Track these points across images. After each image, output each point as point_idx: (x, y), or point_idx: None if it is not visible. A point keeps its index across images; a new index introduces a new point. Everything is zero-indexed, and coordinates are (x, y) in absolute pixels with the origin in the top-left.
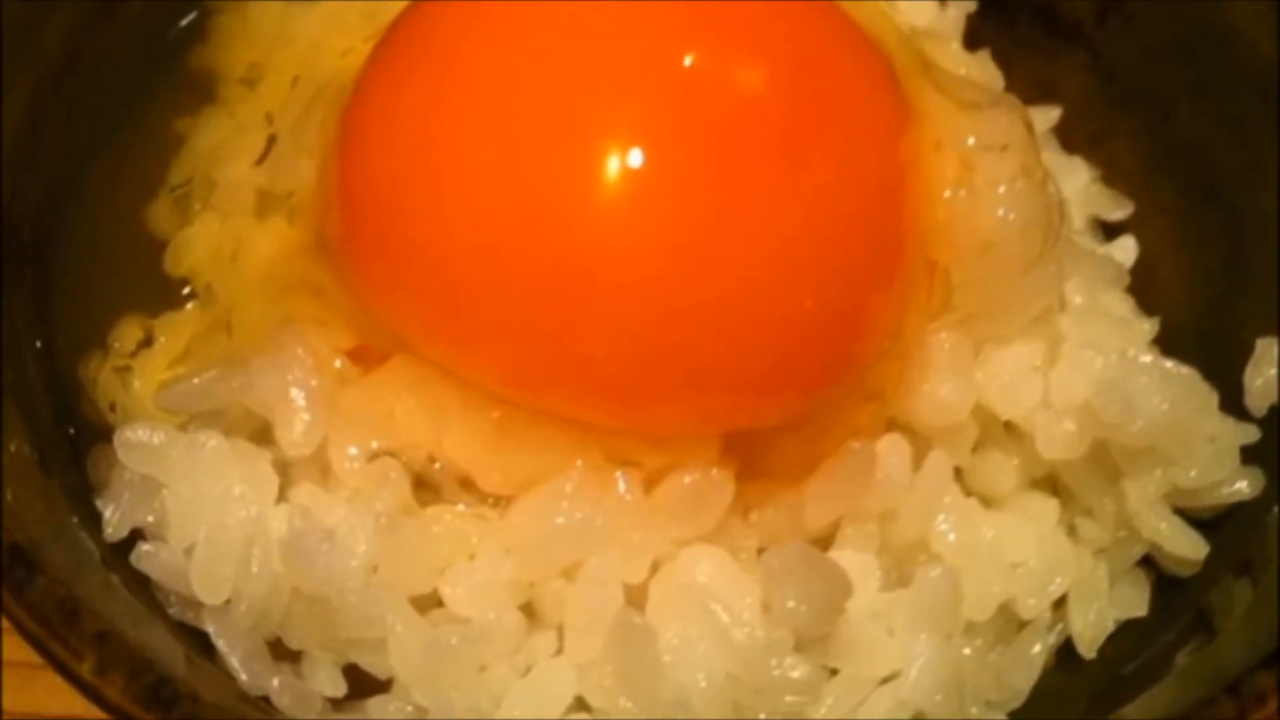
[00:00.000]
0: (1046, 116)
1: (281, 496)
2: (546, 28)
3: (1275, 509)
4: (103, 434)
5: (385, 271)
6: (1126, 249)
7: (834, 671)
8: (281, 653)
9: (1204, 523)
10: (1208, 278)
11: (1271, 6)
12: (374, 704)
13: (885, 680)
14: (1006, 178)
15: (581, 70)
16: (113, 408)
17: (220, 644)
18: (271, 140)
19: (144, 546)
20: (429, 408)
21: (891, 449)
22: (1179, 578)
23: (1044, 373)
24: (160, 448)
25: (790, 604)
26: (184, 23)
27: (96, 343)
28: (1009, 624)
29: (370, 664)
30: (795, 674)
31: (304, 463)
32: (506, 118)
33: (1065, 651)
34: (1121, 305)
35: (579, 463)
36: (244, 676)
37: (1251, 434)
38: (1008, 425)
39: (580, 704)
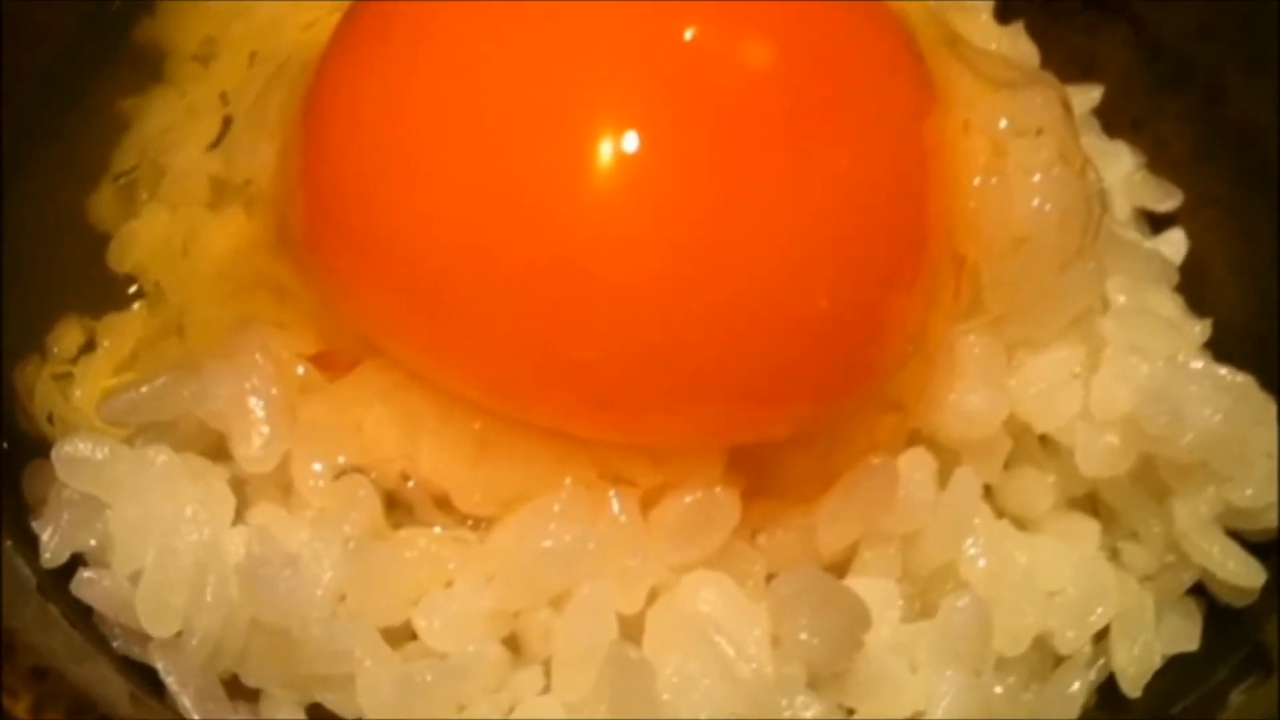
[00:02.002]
0: (1086, 97)
1: (238, 518)
2: None
3: None
4: (40, 448)
5: (353, 268)
6: (1175, 243)
7: (850, 711)
8: (238, 691)
9: (1260, 547)
10: (1264, 274)
11: None
12: None
13: None
14: (1042, 164)
15: (571, 45)
16: (51, 419)
17: (170, 681)
18: (227, 123)
19: (85, 573)
20: (402, 419)
21: (914, 465)
22: (1233, 608)
23: (1084, 380)
24: (103, 463)
25: (802, 636)
26: None
27: (33, 347)
28: (1045, 659)
29: (336, 703)
30: (808, 714)
31: (263, 480)
32: (489, 97)
33: (1107, 690)
34: (1169, 305)
35: (568, 480)
36: (196, 717)
37: None
38: (1043, 439)
39: None
